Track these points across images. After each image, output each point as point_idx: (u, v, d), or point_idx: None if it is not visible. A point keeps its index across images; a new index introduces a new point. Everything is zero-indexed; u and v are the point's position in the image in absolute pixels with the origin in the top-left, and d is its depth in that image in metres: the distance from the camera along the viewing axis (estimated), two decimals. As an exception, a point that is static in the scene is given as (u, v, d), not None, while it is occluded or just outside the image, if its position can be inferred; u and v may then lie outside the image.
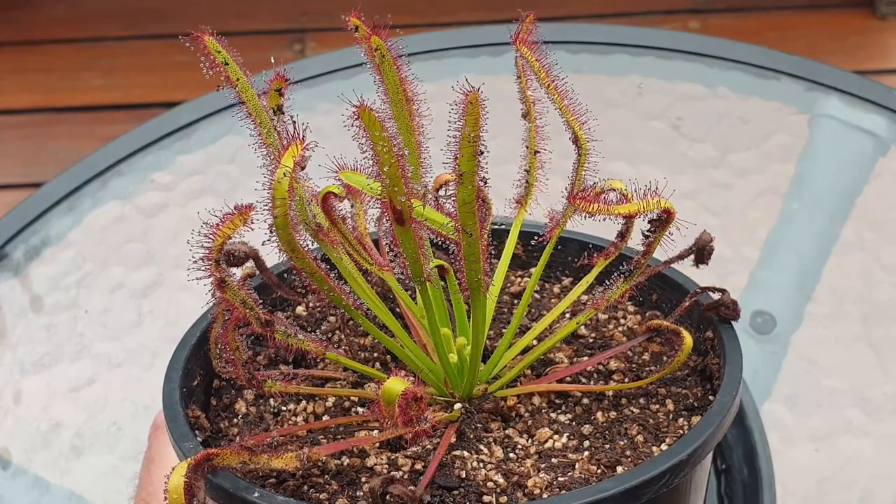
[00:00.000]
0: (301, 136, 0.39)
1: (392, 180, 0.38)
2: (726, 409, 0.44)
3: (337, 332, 0.52)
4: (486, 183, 0.45)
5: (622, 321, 0.52)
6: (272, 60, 0.47)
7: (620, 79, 0.96)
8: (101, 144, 0.94)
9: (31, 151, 1.84)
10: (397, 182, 0.39)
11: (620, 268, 0.50)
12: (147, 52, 1.94)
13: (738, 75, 0.95)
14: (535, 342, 0.49)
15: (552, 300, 0.54)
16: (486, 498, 0.42)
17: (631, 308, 0.53)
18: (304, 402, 0.49)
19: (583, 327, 0.51)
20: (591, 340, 0.51)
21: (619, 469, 0.44)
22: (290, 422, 0.48)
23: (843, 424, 0.78)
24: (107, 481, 0.78)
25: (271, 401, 0.49)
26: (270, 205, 0.39)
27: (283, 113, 0.46)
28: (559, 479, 0.43)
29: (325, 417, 0.48)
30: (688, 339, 0.47)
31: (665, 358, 0.49)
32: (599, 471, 0.44)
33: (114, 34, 1.97)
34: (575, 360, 0.50)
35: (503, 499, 0.42)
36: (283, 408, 0.49)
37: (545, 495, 0.42)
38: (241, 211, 0.40)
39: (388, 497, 0.40)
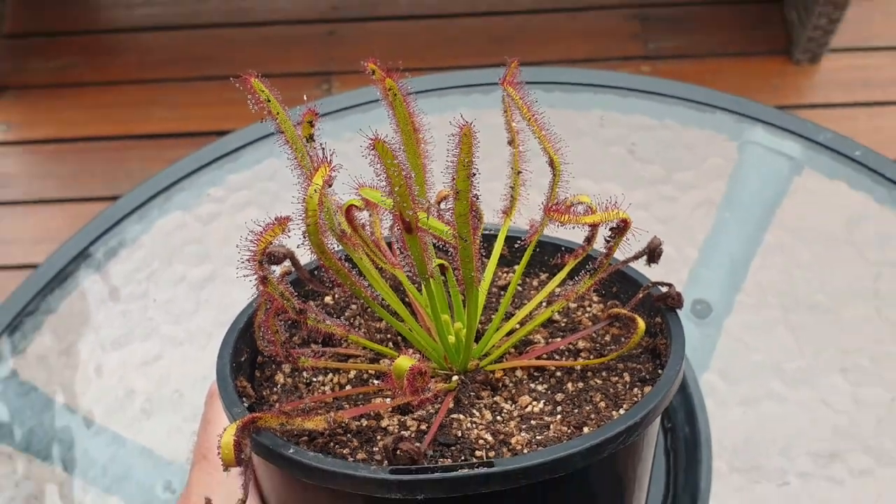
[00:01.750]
0: (328, 160, 0.39)
1: (402, 198, 0.38)
2: (672, 381, 0.44)
3: (357, 318, 0.52)
4: (478, 198, 0.45)
5: (588, 309, 0.52)
6: (305, 98, 0.47)
7: (586, 112, 0.96)
8: (166, 165, 0.94)
9: (111, 171, 1.85)
10: (406, 199, 0.39)
11: (587, 266, 0.49)
12: (203, 91, 1.93)
13: (682, 109, 0.95)
14: (518, 326, 0.49)
15: (532, 292, 0.54)
16: (477, 452, 0.42)
17: (595, 299, 0.53)
18: (330, 375, 0.49)
19: (556, 314, 0.51)
20: (563, 325, 0.51)
21: (586, 429, 0.43)
22: (319, 391, 0.48)
23: (766, 392, 0.78)
24: (171, 438, 0.78)
25: (304, 373, 0.49)
26: (304, 215, 0.39)
27: (313, 140, 0.46)
28: (537, 437, 0.43)
29: (348, 387, 0.48)
30: (641, 323, 0.47)
31: (623, 339, 0.49)
32: (569, 430, 0.43)
33: (176, 76, 1.97)
34: (550, 340, 0.50)
35: (491, 453, 0.42)
36: (314, 379, 0.49)
37: (526, 450, 0.42)
38: (280, 221, 0.40)
39: (398, 452, 0.40)
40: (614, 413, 0.45)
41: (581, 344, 0.50)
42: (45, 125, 1.91)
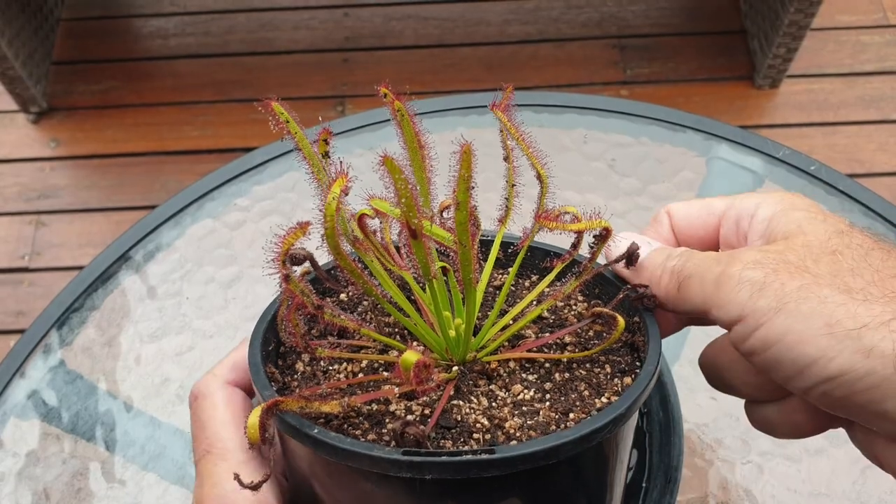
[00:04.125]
0: (345, 172, 0.39)
1: (408, 208, 0.38)
2: (651, 375, 0.44)
3: (368, 313, 0.52)
4: (476, 208, 0.45)
5: (574, 308, 0.52)
6: (320, 118, 0.47)
7: (571, 131, 0.96)
8: (198, 178, 0.94)
9: (148, 183, 1.85)
10: (412, 209, 0.38)
11: (573, 269, 0.49)
12: (231, 112, 1.94)
13: (656, 129, 0.95)
14: (511, 322, 0.49)
15: (524, 292, 0.54)
16: (475, 435, 0.42)
17: (580, 298, 0.53)
18: (345, 364, 0.48)
19: (545, 312, 0.51)
20: (551, 321, 0.51)
21: (572, 415, 0.43)
22: (334, 378, 0.48)
23: (731, 380, 0.77)
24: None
25: (321, 363, 0.49)
26: (322, 221, 0.39)
27: (329, 156, 0.46)
28: (528, 422, 0.43)
29: (360, 375, 0.48)
30: (621, 321, 0.46)
31: (605, 335, 0.49)
32: (557, 416, 0.43)
33: (207, 99, 1.97)
34: (540, 335, 0.50)
35: (487, 436, 0.42)
36: (330, 368, 0.49)
37: (518, 433, 0.42)
38: (302, 226, 0.40)
39: (405, 434, 0.39)
40: (597, 401, 0.45)
41: (567, 339, 0.49)
42: (89, 142, 1.91)
